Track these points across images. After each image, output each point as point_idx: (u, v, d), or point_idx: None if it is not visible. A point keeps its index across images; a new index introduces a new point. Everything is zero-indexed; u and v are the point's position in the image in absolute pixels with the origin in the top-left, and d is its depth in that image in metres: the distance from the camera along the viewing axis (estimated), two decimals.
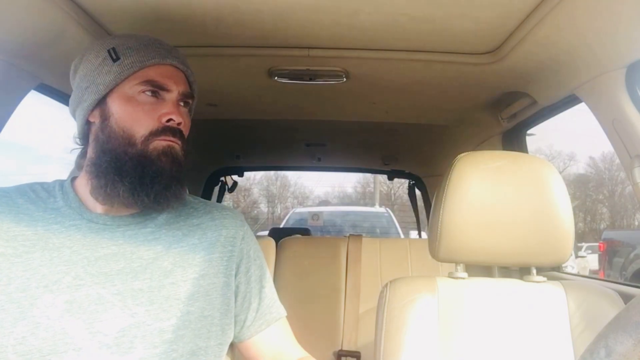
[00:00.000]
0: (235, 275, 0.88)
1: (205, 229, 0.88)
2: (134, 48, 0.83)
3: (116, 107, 0.81)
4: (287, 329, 0.96)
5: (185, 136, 0.86)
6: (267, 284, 0.93)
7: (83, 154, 0.87)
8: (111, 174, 0.79)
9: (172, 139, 0.81)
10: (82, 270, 0.77)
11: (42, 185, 0.87)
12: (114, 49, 0.83)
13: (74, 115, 0.88)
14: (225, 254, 0.87)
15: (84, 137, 0.86)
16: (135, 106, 0.81)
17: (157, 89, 0.82)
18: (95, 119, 0.83)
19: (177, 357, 0.77)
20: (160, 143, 0.80)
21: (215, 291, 0.84)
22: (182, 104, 0.86)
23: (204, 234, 0.87)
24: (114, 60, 0.82)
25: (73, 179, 0.88)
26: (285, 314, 0.95)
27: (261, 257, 0.94)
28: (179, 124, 0.82)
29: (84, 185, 0.84)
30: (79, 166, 0.88)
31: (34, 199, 0.84)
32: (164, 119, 0.81)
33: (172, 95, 0.83)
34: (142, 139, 0.80)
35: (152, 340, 0.75)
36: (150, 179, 0.79)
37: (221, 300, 0.84)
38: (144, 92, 0.82)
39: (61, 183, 0.87)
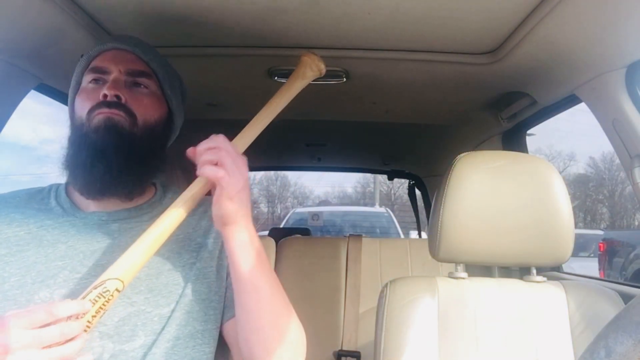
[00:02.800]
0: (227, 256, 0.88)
1: (198, 218, 0.89)
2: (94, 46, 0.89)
3: (75, 101, 0.86)
4: None
5: (145, 115, 0.85)
6: None
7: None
8: (72, 163, 0.83)
9: (107, 109, 0.81)
10: (78, 264, 0.77)
11: (38, 189, 0.90)
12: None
13: None
14: (219, 239, 0.88)
15: None
16: (82, 94, 0.85)
17: (98, 75, 0.85)
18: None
19: (177, 342, 0.77)
20: (97, 117, 0.81)
21: (211, 274, 0.84)
22: (133, 83, 0.86)
23: (198, 222, 0.89)
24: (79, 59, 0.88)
25: (67, 182, 0.90)
26: None
27: None
28: (115, 96, 0.82)
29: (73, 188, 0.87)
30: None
31: (28, 200, 0.86)
32: (100, 96, 0.82)
33: (112, 75, 0.84)
34: (85, 120, 0.82)
35: (152, 327, 0.76)
36: (96, 156, 0.80)
37: (217, 283, 0.85)
38: (89, 81, 0.86)
39: (56, 186, 0.89)
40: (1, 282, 0.74)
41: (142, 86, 0.87)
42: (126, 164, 0.81)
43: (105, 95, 0.81)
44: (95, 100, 0.82)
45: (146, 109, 0.86)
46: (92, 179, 0.80)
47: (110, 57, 0.86)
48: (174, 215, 0.75)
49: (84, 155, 0.81)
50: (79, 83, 0.88)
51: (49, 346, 0.62)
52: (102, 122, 0.80)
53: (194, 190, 0.76)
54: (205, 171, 0.71)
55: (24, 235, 0.79)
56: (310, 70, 0.94)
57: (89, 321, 0.66)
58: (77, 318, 0.65)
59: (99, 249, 0.80)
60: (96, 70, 0.85)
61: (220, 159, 0.71)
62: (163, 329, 0.77)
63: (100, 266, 0.77)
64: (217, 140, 0.73)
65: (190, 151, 0.75)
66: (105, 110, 0.81)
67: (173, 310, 0.78)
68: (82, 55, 0.89)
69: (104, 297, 0.67)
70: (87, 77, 0.86)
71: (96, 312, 0.67)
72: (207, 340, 0.82)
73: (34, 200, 0.86)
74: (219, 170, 0.70)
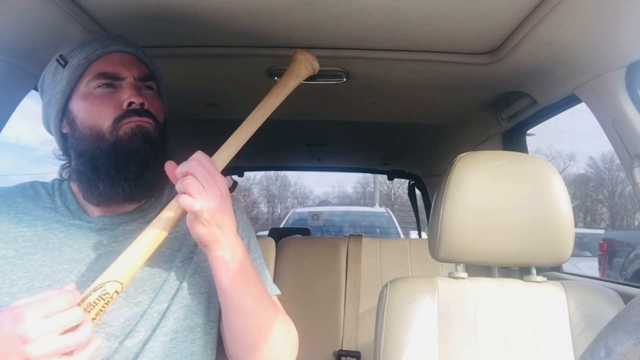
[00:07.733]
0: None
1: None
2: (79, 48, 0.83)
3: (77, 108, 0.82)
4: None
5: (160, 119, 0.85)
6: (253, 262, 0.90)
7: (64, 166, 0.89)
8: (89, 174, 0.80)
9: (138, 118, 0.80)
10: (84, 268, 0.78)
11: (43, 184, 0.89)
12: (61, 55, 0.83)
13: (51, 133, 0.89)
14: None
15: (65, 151, 0.88)
16: (93, 101, 0.81)
17: (110, 80, 0.82)
18: (66, 128, 0.85)
19: (175, 335, 0.78)
20: (128, 125, 0.80)
21: (209, 268, 0.84)
22: (144, 87, 0.85)
23: None
24: (64, 66, 0.82)
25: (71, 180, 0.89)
26: (277, 293, 0.92)
27: (250, 236, 0.93)
28: (141, 104, 0.81)
29: (77, 191, 0.86)
30: (60, 174, 0.90)
31: (34, 196, 0.85)
32: (125, 104, 0.80)
33: (127, 80, 0.83)
34: (110, 129, 0.80)
35: (152, 323, 0.77)
36: (125, 163, 0.79)
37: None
38: (98, 86, 0.82)
39: (60, 183, 0.88)
40: (10, 285, 0.75)
41: (150, 89, 0.87)
42: (153, 168, 0.81)
43: (131, 103, 0.80)
44: (118, 108, 0.80)
45: (158, 112, 0.86)
46: (116, 189, 0.79)
47: (117, 61, 0.83)
48: (168, 215, 0.74)
49: (109, 165, 0.79)
50: (66, 93, 0.83)
51: (64, 332, 0.63)
52: (136, 130, 0.80)
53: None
54: (181, 202, 0.70)
55: (31, 237, 0.79)
56: (305, 68, 0.94)
57: None
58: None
59: (104, 253, 0.80)
60: (106, 75, 0.82)
61: (193, 190, 0.70)
62: (160, 322, 0.78)
63: (105, 270, 0.78)
64: (192, 164, 0.72)
65: (168, 170, 0.74)
66: (137, 118, 0.80)
67: (170, 304, 0.79)
68: (60, 56, 0.84)
69: (104, 300, 0.68)
70: (93, 82, 0.82)
71: (96, 315, 0.67)
72: (208, 334, 0.83)
73: (40, 198, 0.85)
74: (195, 203, 0.69)
